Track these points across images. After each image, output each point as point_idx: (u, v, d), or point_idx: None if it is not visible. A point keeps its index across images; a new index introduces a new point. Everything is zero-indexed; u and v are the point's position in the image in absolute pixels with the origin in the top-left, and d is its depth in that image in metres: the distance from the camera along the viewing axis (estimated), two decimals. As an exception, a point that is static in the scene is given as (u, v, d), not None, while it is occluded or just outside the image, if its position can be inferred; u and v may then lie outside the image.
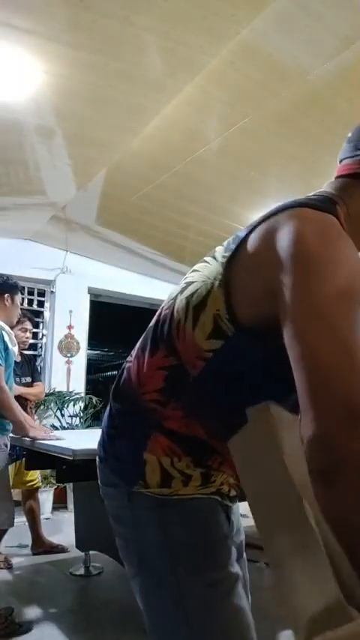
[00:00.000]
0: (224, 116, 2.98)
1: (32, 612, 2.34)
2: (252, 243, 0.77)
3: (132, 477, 0.85)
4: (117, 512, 0.91)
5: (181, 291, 0.87)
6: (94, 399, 5.11)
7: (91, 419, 5.20)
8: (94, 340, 7.53)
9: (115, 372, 16.14)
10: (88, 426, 5.01)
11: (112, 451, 0.90)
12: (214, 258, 0.86)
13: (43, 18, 2.12)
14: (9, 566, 2.97)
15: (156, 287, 6.10)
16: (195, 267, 0.92)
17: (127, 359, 0.96)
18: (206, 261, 0.88)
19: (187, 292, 0.85)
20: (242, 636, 0.80)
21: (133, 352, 0.95)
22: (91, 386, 6.43)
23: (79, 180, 3.74)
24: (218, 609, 0.80)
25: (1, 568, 2.94)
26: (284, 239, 0.69)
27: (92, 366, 8.22)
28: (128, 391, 0.90)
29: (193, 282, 0.86)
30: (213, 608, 0.79)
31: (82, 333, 5.46)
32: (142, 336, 0.95)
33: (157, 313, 0.93)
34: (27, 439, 2.35)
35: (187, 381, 0.81)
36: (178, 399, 0.83)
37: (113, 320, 8.23)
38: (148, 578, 0.85)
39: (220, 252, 0.86)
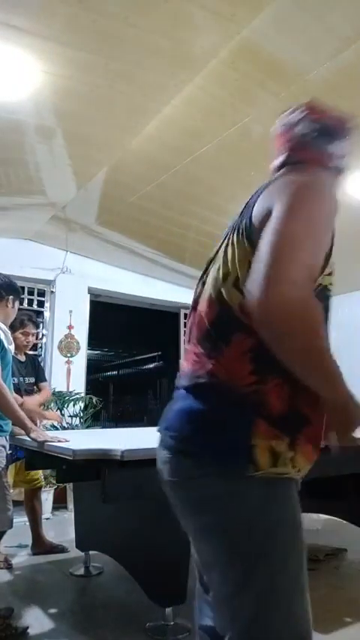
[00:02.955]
0: (224, 116, 2.98)
1: (32, 612, 2.34)
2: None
3: (242, 462, 0.90)
4: (215, 500, 0.93)
5: (223, 282, 0.98)
6: (94, 399, 5.10)
7: (91, 419, 5.20)
8: (94, 340, 7.53)
9: (115, 372, 16.03)
10: (88, 426, 5.01)
11: (212, 444, 0.94)
12: (232, 243, 1.00)
13: (43, 18, 2.12)
14: (9, 566, 2.97)
15: (156, 287, 6.10)
16: (216, 264, 1.04)
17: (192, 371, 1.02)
18: (225, 252, 1.01)
19: (231, 281, 0.97)
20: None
21: (189, 360, 1.04)
22: (91, 386, 6.42)
23: (79, 180, 3.74)
24: (305, 573, 0.93)
25: (1, 568, 2.94)
26: None
27: (92, 366, 8.21)
28: (217, 388, 0.96)
29: (227, 273, 0.98)
30: (304, 571, 0.93)
31: (82, 333, 5.46)
32: (190, 340, 1.06)
33: (196, 316, 1.06)
34: (27, 439, 2.35)
35: (264, 350, 0.87)
36: (272, 371, 0.91)
37: (113, 320, 8.24)
38: (271, 552, 0.91)
39: (236, 239, 0.99)
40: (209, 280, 1.06)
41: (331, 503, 2.73)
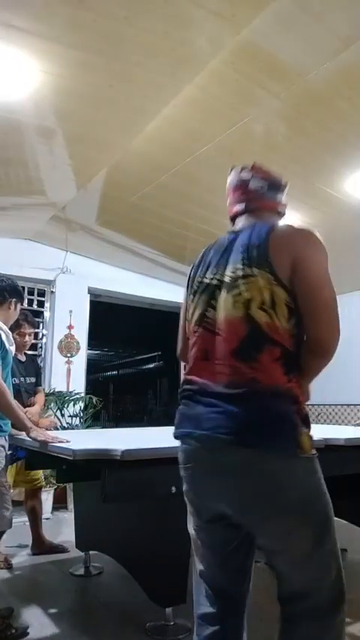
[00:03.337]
0: (224, 116, 2.98)
1: (32, 612, 2.34)
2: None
3: (293, 446, 1.15)
4: (284, 480, 1.17)
5: (249, 306, 1.22)
6: (94, 399, 5.10)
7: (91, 419, 5.20)
8: (94, 340, 7.53)
9: (115, 372, 16.02)
10: (88, 426, 5.01)
11: (272, 435, 1.16)
12: (251, 274, 1.24)
13: (43, 18, 2.12)
14: (9, 566, 2.97)
15: (156, 287, 6.10)
16: (231, 292, 1.27)
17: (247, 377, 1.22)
18: (245, 279, 1.25)
19: (256, 304, 1.21)
20: None
21: (221, 372, 1.24)
22: (91, 386, 6.42)
23: (79, 180, 3.74)
24: None
25: (1, 568, 2.94)
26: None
27: (92, 366, 8.21)
28: (262, 390, 1.18)
29: (251, 299, 1.22)
30: None
31: (82, 333, 5.46)
32: (209, 358, 1.28)
33: (216, 337, 1.27)
34: (27, 439, 2.35)
35: (290, 355, 1.21)
36: (293, 371, 1.22)
37: (113, 320, 8.23)
38: (316, 517, 1.19)
39: (257, 272, 1.24)
40: (227, 306, 1.26)
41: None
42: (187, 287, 1.47)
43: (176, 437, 1.32)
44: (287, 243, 1.24)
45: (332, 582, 1.20)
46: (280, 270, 1.21)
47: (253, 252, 1.26)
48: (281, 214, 1.47)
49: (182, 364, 1.51)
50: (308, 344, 1.26)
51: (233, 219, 1.49)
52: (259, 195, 1.43)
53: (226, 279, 1.29)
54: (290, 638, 1.20)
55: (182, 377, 1.40)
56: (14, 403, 2.24)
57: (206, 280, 1.35)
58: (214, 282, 1.32)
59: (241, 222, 1.44)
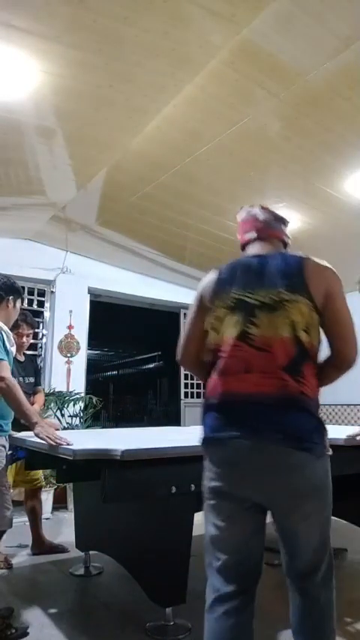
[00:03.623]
0: (224, 116, 2.98)
1: (32, 612, 2.34)
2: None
3: (324, 448, 1.43)
4: (320, 476, 1.43)
5: (295, 328, 1.43)
6: (94, 399, 5.10)
7: (91, 419, 5.20)
8: (94, 340, 7.53)
9: (115, 372, 16.02)
10: (88, 426, 5.01)
11: (315, 440, 1.40)
12: (295, 300, 1.44)
13: (43, 18, 2.12)
14: (9, 566, 2.97)
15: (156, 287, 6.10)
16: (274, 313, 1.45)
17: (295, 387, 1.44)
18: (290, 303, 1.45)
19: (300, 326, 1.43)
20: None
21: (269, 384, 1.42)
22: (91, 386, 6.42)
23: (79, 180, 3.74)
24: None
25: (1, 568, 2.94)
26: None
27: (92, 366, 8.21)
28: (308, 401, 1.42)
29: (296, 321, 1.43)
30: None
31: (82, 333, 5.46)
32: (251, 370, 1.44)
33: (263, 353, 1.44)
34: (27, 439, 2.35)
35: (317, 370, 1.49)
36: (317, 382, 1.50)
37: (113, 320, 8.23)
38: (328, 504, 1.46)
39: (299, 298, 1.45)
40: (274, 326, 1.43)
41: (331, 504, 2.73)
42: (213, 299, 1.56)
43: (218, 439, 1.45)
44: (321, 277, 1.48)
45: (329, 555, 1.48)
46: (316, 298, 1.45)
47: (292, 279, 1.46)
48: (287, 244, 1.71)
49: (184, 369, 1.69)
50: (335, 360, 1.53)
51: (244, 246, 1.70)
52: (268, 225, 1.67)
53: (268, 300, 1.45)
54: (313, 605, 1.44)
55: (202, 383, 1.60)
56: (22, 397, 2.22)
57: (244, 298, 1.49)
58: (253, 301, 1.47)
59: (255, 249, 1.64)
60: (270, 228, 1.66)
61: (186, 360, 1.69)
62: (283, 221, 1.71)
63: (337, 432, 2.76)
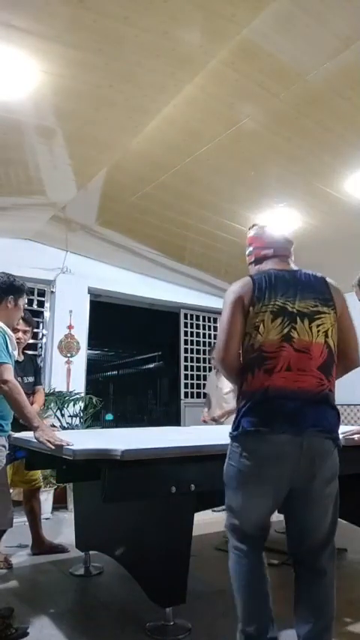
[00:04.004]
0: (224, 116, 2.98)
1: (32, 613, 2.34)
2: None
3: (339, 440, 1.76)
4: (337, 462, 1.74)
5: (327, 336, 1.74)
6: (94, 399, 5.10)
7: (91, 419, 5.19)
8: (94, 340, 7.52)
9: (115, 372, 15.94)
10: (88, 426, 5.00)
11: (338, 431, 1.75)
12: (326, 312, 1.77)
13: (43, 18, 2.12)
14: (9, 566, 2.97)
15: (156, 287, 6.09)
16: (314, 322, 1.74)
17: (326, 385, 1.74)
18: (323, 314, 1.76)
19: (330, 334, 1.75)
20: None
21: (308, 382, 1.70)
22: (91, 386, 6.42)
23: (79, 180, 3.74)
24: None
25: (1, 568, 2.93)
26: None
27: (92, 366, 8.21)
28: (333, 398, 1.76)
29: (327, 330, 1.74)
30: None
31: (82, 333, 5.46)
32: (293, 369, 1.69)
33: (302, 354, 1.70)
34: (26, 440, 2.35)
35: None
36: None
37: (113, 320, 8.23)
38: (338, 486, 1.76)
39: (328, 310, 1.78)
40: (312, 332, 1.71)
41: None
42: (255, 303, 1.73)
43: (260, 432, 1.65)
44: (339, 295, 1.83)
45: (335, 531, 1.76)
46: (337, 312, 1.78)
47: (324, 295, 1.78)
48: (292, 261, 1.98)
49: (223, 368, 1.80)
50: (344, 362, 1.83)
51: (259, 259, 1.93)
52: (283, 245, 1.93)
53: (305, 310, 1.73)
54: (321, 577, 1.69)
55: (260, 381, 1.70)
56: (24, 399, 2.21)
57: (287, 307, 1.72)
58: (294, 310, 1.72)
59: (273, 263, 1.88)
60: (284, 248, 1.93)
61: (230, 359, 1.76)
62: (291, 242, 1.97)
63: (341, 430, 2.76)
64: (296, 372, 1.67)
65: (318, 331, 1.71)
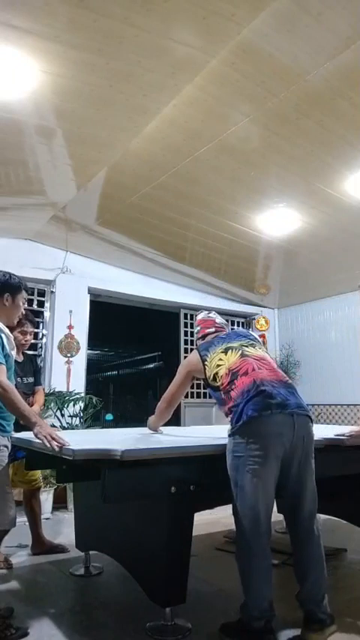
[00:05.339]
0: (224, 116, 2.98)
1: (32, 613, 2.34)
2: None
3: None
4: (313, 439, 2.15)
5: (266, 353, 2.35)
6: (94, 399, 5.10)
7: (91, 419, 5.19)
8: (94, 340, 7.52)
9: (115, 372, 15.91)
10: (89, 426, 5.01)
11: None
12: (255, 342, 2.39)
13: (43, 18, 2.12)
14: (9, 566, 2.97)
15: (156, 287, 6.10)
16: (257, 346, 2.36)
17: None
18: (254, 344, 2.37)
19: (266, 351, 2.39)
20: None
21: (279, 375, 2.23)
22: (91, 386, 6.42)
23: (79, 180, 3.74)
24: None
25: (1, 568, 2.93)
26: None
27: (92, 366, 8.20)
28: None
29: (265, 351, 2.37)
30: None
31: (82, 333, 5.46)
32: (267, 368, 2.21)
33: (267, 360, 2.29)
34: (26, 440, 2.34)
35: None
36: None
37: (113, 320, 8.23)
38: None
39: (254, 342, 2.40)
40: (255, 350, 2.28)
41: (331, 504, 2.73)
42: (206, 360, 2.31)
43: (271, 412, 1.98)
44: (257, 336, 2.51)
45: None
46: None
47: (251, 336, 2.44)
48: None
49: (166, 410, 2.68)
50: None
51: (205, 336, 2.53)
52: (220, 325, 2.58)
53: (245, 344, 2.31)
54: (314, 536, 2.04)
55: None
56: (19, 399, 2.18)
57: (231, 345, 2.30)
58: (236, 345, 2.29)
59: (213, 336, 2.48)
60: (222, 327, 2.56)
61: (173, 406, 2.61)
62: (227, 324, 2.66)
63: (336, 431, 2.76)
64: (266, 369, 2.15)
65: (260, 349, 2.31)
